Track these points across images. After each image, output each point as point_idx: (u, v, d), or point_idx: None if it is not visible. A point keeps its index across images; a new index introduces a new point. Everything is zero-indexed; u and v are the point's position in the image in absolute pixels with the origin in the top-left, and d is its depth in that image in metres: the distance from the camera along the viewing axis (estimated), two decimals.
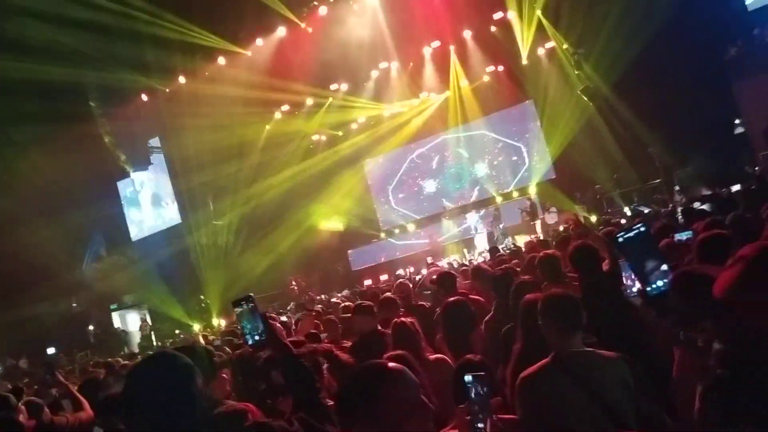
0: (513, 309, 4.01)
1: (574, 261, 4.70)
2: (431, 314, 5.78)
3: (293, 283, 20.89)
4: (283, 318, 9.40)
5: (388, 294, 6.27)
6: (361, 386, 1.74)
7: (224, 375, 3.88)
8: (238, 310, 2.60)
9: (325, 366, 3.68)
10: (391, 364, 1.81)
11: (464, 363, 3.20)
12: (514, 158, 22.62)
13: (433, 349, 4.45)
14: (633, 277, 3.63)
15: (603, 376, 2.76)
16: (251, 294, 2.63)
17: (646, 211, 14.47)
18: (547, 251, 5.61)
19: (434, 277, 8.41)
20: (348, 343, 5.08)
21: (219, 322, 19.01)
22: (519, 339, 3.51)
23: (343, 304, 8.35)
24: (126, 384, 1.81)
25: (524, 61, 19.62)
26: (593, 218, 16.15)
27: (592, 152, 18.03)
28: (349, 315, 5.99)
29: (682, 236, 5.29)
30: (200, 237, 22.15)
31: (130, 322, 23.57)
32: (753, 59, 14.91)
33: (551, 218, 18.45)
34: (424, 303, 6.68)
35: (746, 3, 15.69)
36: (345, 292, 15.39)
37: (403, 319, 4.32)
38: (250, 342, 2.61)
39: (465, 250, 19.67)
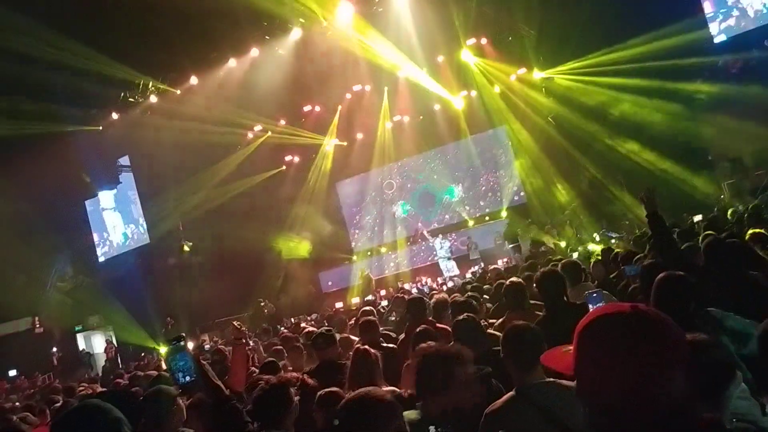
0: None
1: (539, 285, 4.73)
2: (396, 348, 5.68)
3: (263, 304, 20.63)
4: (251, 343, 9.25)
5: (369, 317, 6.21)
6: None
7: (181, 403, 3.77)
8: (166, 350, 2.63)
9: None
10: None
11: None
12: (486, 183, 22.77)
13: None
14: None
15: (566, 406, 2.72)
16: (183, 334, 2.64)
17: (614, 236, 14.62)
18: (513, 279, 5.60)
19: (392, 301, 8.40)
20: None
21: (186, 344, 18.65)
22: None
23: (306, 330, 8.23)
24: None
25: (496, 88, 19.87)
26: (563, 243, 16.25)
27: (560, 178, 18.25)
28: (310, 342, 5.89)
29: (631, 271, 5.43)
30: (169, 258, 21.81)
31: (95, 343, 23.01)
32: (720, 90, 15.26)
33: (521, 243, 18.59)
34: (389, 332, 6.58)
35: (712, 34, 16.12)
36: (314, 316, 15.25)
37: (361, 347, 4.24)
38: (180, 382, 2.56)
39: (437, 276, 19.64)
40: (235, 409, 2.58)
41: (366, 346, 4.15)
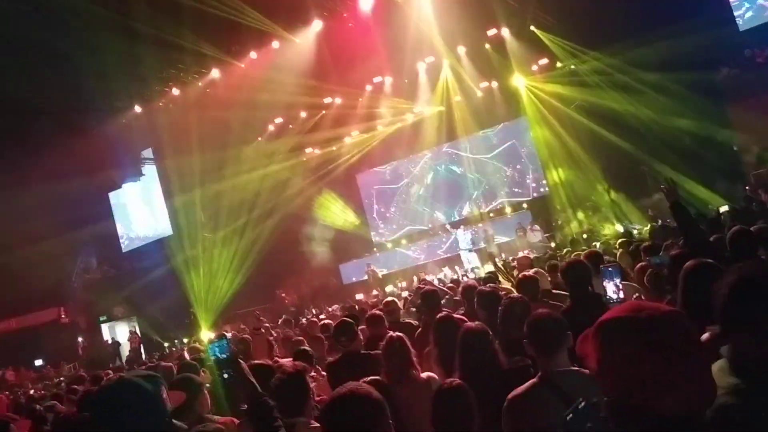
0: (504, 325, 4.09)
1: (565, 275, 4.74)
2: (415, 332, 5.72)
3: (283, 295, 20.80)
4: (273, 333, 9.33)
5: (375, 311, 6.21)
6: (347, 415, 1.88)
7: (207, 389, 3.85)
8: (212, 347, 2.86)
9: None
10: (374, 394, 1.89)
11: (444, 388, 3.15)
12: (508, 174, 22.65)
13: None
14: (614, 284, 3.59)
15: (590, 395, 2.72)
16: (224, 333, 2.83)
17: (635, 230, 14.44)
18: (526, 274, 5.59)
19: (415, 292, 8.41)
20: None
21: (208, 335, 18.86)
22: (457, 369, 3.54)
23: (322, 322, 8.26)
24: (80, 411, 1.76)
25: (518, 77, 19.74)
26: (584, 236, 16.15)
27: (585, 168, 18.09)
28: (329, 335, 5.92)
29: (656, 260, 5.34)
30: (191, 249, 22.03)
31: (119, 334, 23.35)
32: (745, 80, 15.00)
33: (535, 236, 18.51)
34: (411, 321, 6.60)
35: (738, 24, 15.82)
36: (335, 307, 15.31)
37: (394, 333, 4.26)
38: (221, 379, 2.87)
39: (456, 267, 19.62)
40: (267, 407, 2.69)
41: (399, 333, 4.14)
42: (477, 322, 3.83)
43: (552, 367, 2.93)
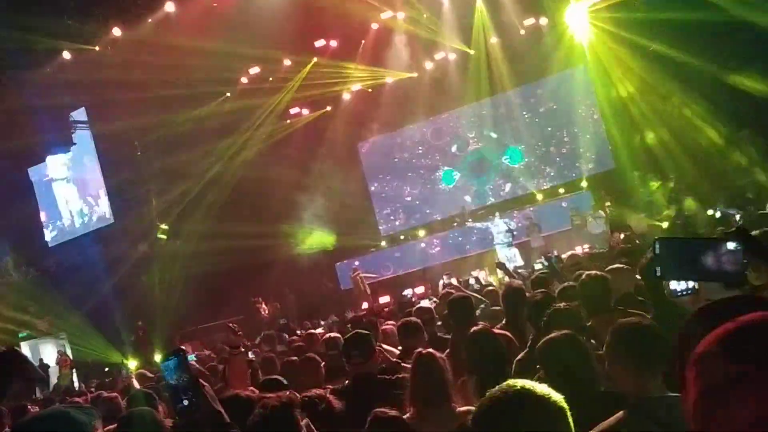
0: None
1: (644, 278, 4.68)
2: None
3: (263, 305, 20.82)
4: (250, 354, 9.33)
5: (412, 318, 6.24)
6: None
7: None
8: (165, 366, 2.80)
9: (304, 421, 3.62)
10: None
11: None
12: (560, 142, 22.56)
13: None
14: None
15: None
16: (183, 348, 2.93)
17: (738, 216, 14.38)
18: (591, 273, 5.55)
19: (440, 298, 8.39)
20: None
21: (187, 359, 18.94)
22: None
23: (325, 336, 8.26)
24: None
25: (576, 9, 19.61)
26: (665, 225, 16.13)
27: (664, 135, 17.99)
28: (335, 352, 5.91)
29: None
30: (139, 244, 22.05)
31: (44, 355, 23.45)
32: None
33: (596, 226, 18.47)
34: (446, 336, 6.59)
35: None
36: (331, 320, 15.32)
37: (430, 350, 4.24)
38: (179, 405, 2.78)
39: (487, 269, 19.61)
40: None
41: (431, 350, 4.14)
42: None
43: (647, 393, 2.93)
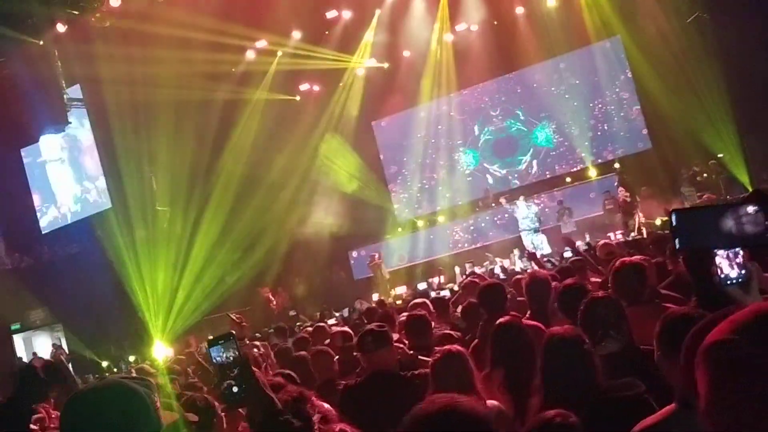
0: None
1: (687, 266, 4.61)
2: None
3: (270, 296, 20.86)
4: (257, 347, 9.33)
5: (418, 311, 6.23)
6: None
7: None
8: (214, 350, 2.77)
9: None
10: None
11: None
12: (592, 120, 22.42)
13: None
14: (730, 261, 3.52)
15: None
16: (233, 332, 2.78)
17: None
18: (626, 260, 5.49)
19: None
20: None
21: (164, 351, 18.99)
22: (538, 391, 3.65)
23: (339, 329, 8.25)
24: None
25: None
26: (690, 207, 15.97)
27: (705, 112, 17.83)
28: (351, 344, 5.89)
29: None
30: (139, 229, 22.10)
31: (38, 348, 23.60)
32: None
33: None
34: (452, 333, 6.58)
35: None
36: (343, 312, 15.34)
37: (452, 346, 4.25)
38: (229, 394, 2.74)
39: (516, 252, 19.57)
40: (290, 428, 2.72)
41: (456, 346, 4.14)
42: (566, 326, 3.77)
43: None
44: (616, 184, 19.41)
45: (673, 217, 2.14)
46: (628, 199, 18.37)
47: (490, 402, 4.01)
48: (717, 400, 1.39)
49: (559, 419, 3.06)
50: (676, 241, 2.16)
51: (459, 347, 4.19)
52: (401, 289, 18.86)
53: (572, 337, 3.62)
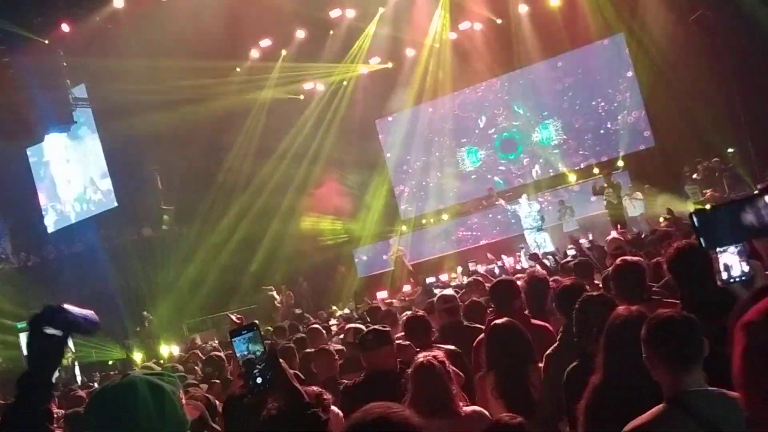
0: (579, 337, 4.20)
1: (673, 268, 4.64)
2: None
3: (275, 294, 20.88)
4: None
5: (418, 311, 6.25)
6: None
7: None
8: (237, 341, 2.72)
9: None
10: None
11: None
12: (595, 118, 22.43)
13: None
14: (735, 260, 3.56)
15: (734, 424, 2.78)
16: (256, 321, 2.77)
17: None
18: (626, 258, 5.54)
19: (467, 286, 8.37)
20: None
21: (169, 349, 19.04)
22: (599, 368, 3.60)
23: (348, 326, 8.30)
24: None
25: None
26: (709, 207, 15.94)
27: (709, 110, 17.83)
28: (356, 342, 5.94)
29: None
30: (144, 229, 22.15)
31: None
32: None
33: (635, 207, 18.37)
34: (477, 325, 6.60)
35: None
36: (347, 311, 15.36)
37: (429, 358, 4.25)
38: (251, 385, 2.69)
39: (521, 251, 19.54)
40: (317, 420, 2.67)
41: (430, 358, 4.15)
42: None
43: (684, 387, 3.00)
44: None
45: (695, 219, 2.19)
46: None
47: (470, 408, 4.08)
48: (748, 374, 1.51)
49: (506, 418, 3.23)
50: (702, 241, 2.22)
51: (438, 357, 4.17)
52: (405, 288, 18.81)
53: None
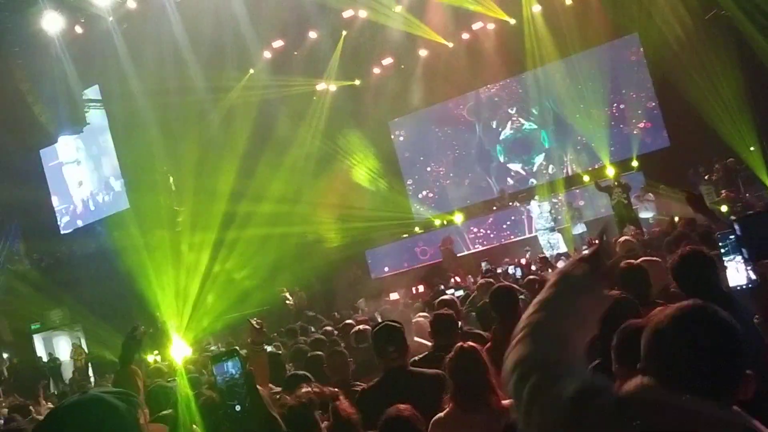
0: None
1: (677, 274, 4.60)
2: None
3: (288, 296, 20.86)
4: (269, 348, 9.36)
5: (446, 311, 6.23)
6: None
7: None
8: (218, 366, 2.81)
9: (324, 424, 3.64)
10: None
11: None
12: (610, 118, 22.35)
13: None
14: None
15: None
16: (236, 348, 2.94)
17: None
18: (630, 262, 5.48)
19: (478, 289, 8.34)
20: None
21: (182, 351, 19.04)
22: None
23: (355, 329, 8.27)
24: None
25: None
26: (724, 208, 15.89)
27: (725, 110, 17.73)
28: (366, 345, 5.91)
29: None
30: (157, 229, 22.17)
31: (58, 348, 23.73)
32: None
33: (647, 209, 18.28)
34: (480, 332, 6.56)
35: None
36: (360, 311, 15.32)
37: (464, 343, 4.22)
38: (230, 412, 2.79)
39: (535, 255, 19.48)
40: None
41: (472, 344, 4.11)
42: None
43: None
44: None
45: (737, 227, 2.10)
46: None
47: (508, 401, 3.92)
48: None
49: (395, 412, 3.24)
50: (744, 251, 2.11)
51: (473, 345, 4.13)
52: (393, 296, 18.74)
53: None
